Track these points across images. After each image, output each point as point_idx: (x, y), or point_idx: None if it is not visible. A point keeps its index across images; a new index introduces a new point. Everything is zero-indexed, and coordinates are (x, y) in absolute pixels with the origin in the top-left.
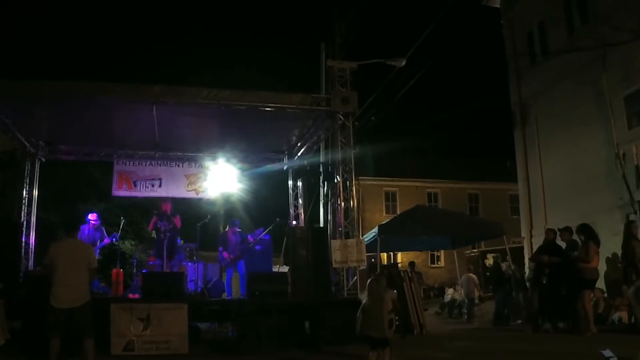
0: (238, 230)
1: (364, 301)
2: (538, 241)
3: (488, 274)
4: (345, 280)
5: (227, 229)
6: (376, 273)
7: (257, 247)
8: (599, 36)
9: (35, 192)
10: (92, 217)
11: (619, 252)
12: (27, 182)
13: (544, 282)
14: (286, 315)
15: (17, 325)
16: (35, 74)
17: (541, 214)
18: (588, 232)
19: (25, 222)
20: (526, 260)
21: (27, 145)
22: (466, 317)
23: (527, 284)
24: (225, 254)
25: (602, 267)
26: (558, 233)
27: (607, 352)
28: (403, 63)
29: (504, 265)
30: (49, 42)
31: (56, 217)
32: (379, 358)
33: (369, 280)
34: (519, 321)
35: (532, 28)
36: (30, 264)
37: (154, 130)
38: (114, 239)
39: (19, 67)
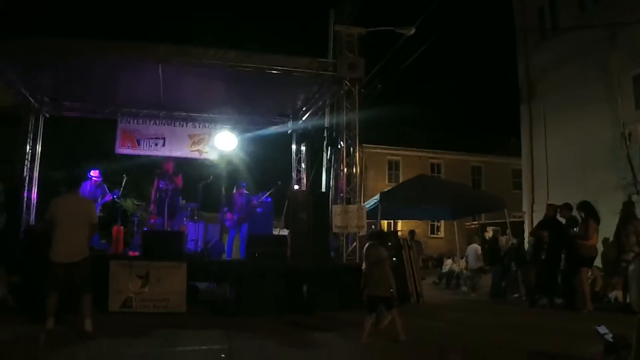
0: (245, 192)
1: (364, 268)
2: (539, 216)
3: (487, 246)
4: (344, 246)
5: (234, 191)
6: (372, 242)
7: (258, 210)
8: (611, 15)
9: (39, 148)
10: (94, 173)
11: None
12: (31, 138)
13: (543, 257)
14: (284, 279)
15: (16, 281)
16: (41, 31)
17: (543, 189)
18: (588, 210)
19: (27, 178)
20: (526, 235)
21: (32, 100)
22: (468, 288)
23: (527, 259)
24: (229, 215)
25: (600, 246)
26: (558, 209)
27: (602, 329)
28: (412, 31)
29: (503, 239)
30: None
31: (59, 174)
32: (384, 320)
33: (366, 246)
34: (516, 295)
35: (544, 3)
36: (31, 219)
37: (158, 89)
38: (115, 196)
39: (25, 23)
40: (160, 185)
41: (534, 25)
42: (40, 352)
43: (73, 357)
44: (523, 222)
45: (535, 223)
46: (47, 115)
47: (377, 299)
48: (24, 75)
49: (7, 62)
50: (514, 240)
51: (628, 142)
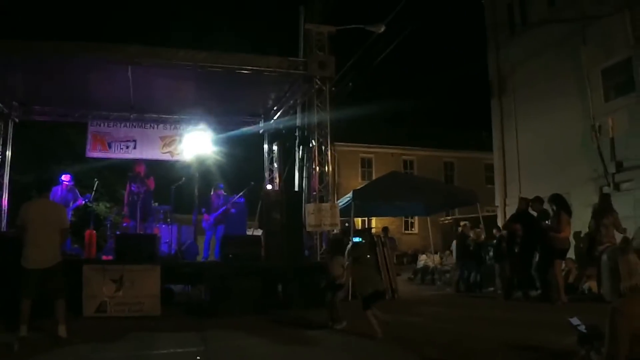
0: (223, 193)
1: (350, 265)
2: (512, 210)
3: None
4: (318, 245)
5: (211, 192)
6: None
7: (232, 210)
8: (580, 9)
9: (9, 153)
10: (65, 178)
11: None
12: (0, 143)
13: (516, 250)
14: (259, 279)
15: None
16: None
17: (516, 183)
18: (560, 202)
19: None
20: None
21: (0, 105)
22: (442, 283)
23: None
24: (206, 216)
25: (573, 238)
26: (530, 202)
27: (575, 320)
28: (382, 29)
29: (472, 233)
30: (22, 1)
31: (30, 179)
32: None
33: (349, 246)
34: (492, 289)
35: None
36: (3, 225)
37: (129, 91)
38: (86, 200)
39: None
40: (133, 188)
41: (504, 19)
42: None
43: None
44: (496, 217)
45: (508, 217)
46: (17, 120)
47: (377, 294)
48: None
49: None
50: (495, 233)
51: (598, 135)
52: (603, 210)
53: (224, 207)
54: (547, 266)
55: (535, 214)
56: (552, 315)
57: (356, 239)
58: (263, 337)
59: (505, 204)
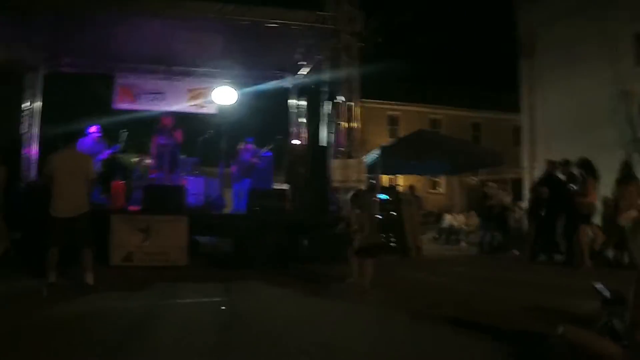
0: (251, 147)
1: (354, 218)
2: (539, 173)
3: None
4: (344, 200)
5: (240, 146)
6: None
7: (259, 165)
8: None
9: (38, 105)
10: (92, 129)
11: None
12: (30, 95)
13: (542, 214)
14: (284, 232)
15: (18, 236)
16: None
17: (543, 146)
18: (587, 167)
19: (28, 134)
20: (526, 191)
21: (29, 58)
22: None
23: (525, 215)
24: (234, 169)
25: (600, 204)
26: (558, 166)
27: (599, 286)
28: None
29: (496, 194)
30: None
31: (58, 130)
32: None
33: (351, 195)
34: (515, 251)
35: None
36: (32, 175)
37: (156, 44)
38: (114, 150)
39: None
40: (160, 141)
41: None
42: (43, 305)
43: (75, 309)
44: (522, 179)
45: (534, 180)
46: (46, 72)
47: (374, 247)
48: (20, 32)
49: (2, 17)
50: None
51: (628, 100)
52: (625, 177)
53: (250, 161)
54: (572, 231)
55: (563, 177)
56: (574, 280)
57: (382, 196)
58: (286, 290)
59: (532, 167)
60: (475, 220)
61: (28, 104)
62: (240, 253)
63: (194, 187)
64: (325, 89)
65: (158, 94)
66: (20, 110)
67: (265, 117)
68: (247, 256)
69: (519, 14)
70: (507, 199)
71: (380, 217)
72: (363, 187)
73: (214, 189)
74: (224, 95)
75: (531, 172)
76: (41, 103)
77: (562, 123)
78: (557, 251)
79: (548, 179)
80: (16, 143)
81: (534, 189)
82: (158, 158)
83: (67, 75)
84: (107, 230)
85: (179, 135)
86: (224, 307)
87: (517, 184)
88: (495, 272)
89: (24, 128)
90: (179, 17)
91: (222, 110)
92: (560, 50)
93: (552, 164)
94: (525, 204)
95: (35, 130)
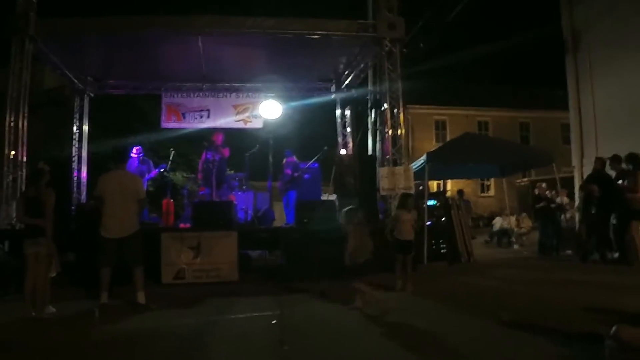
0: (292, 160)
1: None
2: (589, 170)
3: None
4: (393, 208)
5: (284, 160)
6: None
7: (306, 176)
8: None
9: (86, 127)
10: (135, 150)
11: None
12: (77, 118)
13: (593, 212)
14: (334, 243)
15: (70, 258)
16: (81, 11)
17: (592, 143)
18: (636, 162)
19: (76, 157)
20: (576, 190)
21: (76, 81)
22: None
23: (576, 214)
24: (279, 184)
25: None
26: (607, 162)
27: None
28: None
29: (551, 194)
30: None
31: (106, 151)
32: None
33: (344, 211)
34: (569, 251)
35: None
36: (82, 197)
37: (200, 61)
38: (161, 169)
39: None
40: (208, 157)
41: None
42: (95, 326)
43: (127, 329)
44: (573, 177)
45: (585, 177)
46: (92, 95)
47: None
48: (66, 57)
49: (48, 44)
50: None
51: None
52: None
53: (292, 174)
54: (624, 228)
55: (613, 173)
56: (629, 278)
57: (431, 202)
58: (337, 303)
59: (582, 164)
60: (527, 222)
61: (76, 127)
62: (291, 266)
63: (243, 201)
64: (370, 97)
65: (204, 111)
66: (70, 133)
67: (311, 129)
68: (297, 269)
69: (563, 10)
70: (566, 199)
71: (429, 223)
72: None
73: (263, 203)
74: (269, 109)
75: (581, 170)
76: (88, 125)
77: (611, 118)
78: (610, 249)
79: (597, 176)
80: (66, 166)
81: (583, 187)
82: (205, 174)
83: (113, 97)
84: (157, 248)
85: (226, 152)
86: (275, 322)
87: (568, 183)
88: (549, 273)
89: (73, 151)
90: (222, 34)
91: (268, 124)
92: (608, 43)
93: (601, 161)
94: (576, 202)
95: (84, 152)
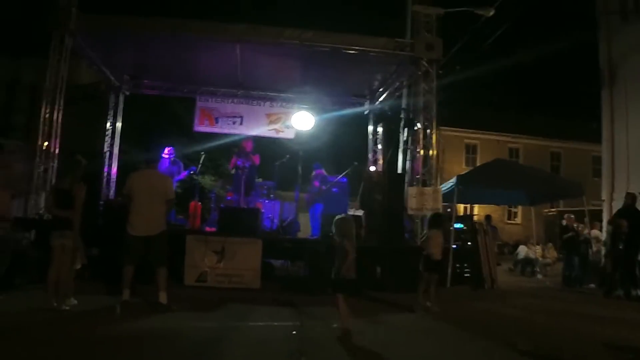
0: (321, 173)
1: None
2: (618, 205)
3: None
4: (419, 228)
5: (312, 172)
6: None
7: (334, 190)
8: None
9: (119, 124)
10: (167, 151)
11: None
12: (112, 115)
13: (621, 247)
14: (358, 258)
15: (95, 253)
16: (120, 10)
17: (624, 177)
18: None
19: (108, 153)
20: (604, 224)
21: (112, 78)
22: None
23: (603, 248)
24: (306, 195)
25: None
26: (638, 198)
27: None
28: (492, 13)
29: (579, 226)
30: None
31: (138, 150)
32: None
33: (337, 219)
34: (592, 285)
35: None
36: (111, 193)
37: (236, 68)
38: (191, 171)
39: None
40: (238, 163)
41: (615, 7)
42: (115, 322)
43: (148, 328)
44: (602, 211)
45: (614, 212)
46: (127, 93)
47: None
48: (104, 53)
49: (87, 39)
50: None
51: None
52: None
53: (319, 187)
54: None
55: None
56: None
57: (458, 225)
58: (358, 317)
59: (612, 199)
60: (553, 252)
61: (109, 123)
62: (313, 278)
63: (269, 210)
64: (403, 115)
65: (237, 118)
66: (103, 130)
67: (343, 143)
68: (320, 281)
69: (601, 43)
70: (597, 231)
71: (455, 246)
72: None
73: (290, 213)
74: (301, 121)
75: (610, 204)
76: (122, 123)
77: None
78: (635, 286)
79: (627, 212)
80: (97, 161)
81: (612, 222)
82: (235, 180)
83: (148, 97)
84: (182, 250)
85: (256, 159)
86: (294, 332)
87: (596, 216)
88: (571, 306)
89: (105, 146)
90: (259, 43)
91: (299, 135)
92: None
93: (631, 196)
94: (603, 236)
95: (116, 149)
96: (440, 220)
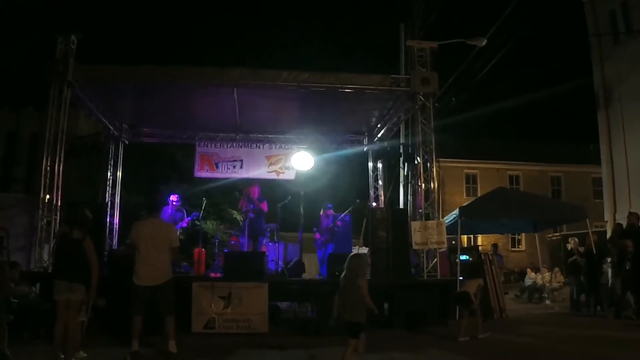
0: (332, 213)
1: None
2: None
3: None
4: (425, 262)
5: (321, 212)
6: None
7: (339, 228)
8: None
9: (119, 174)
10: (173, 197)
11: None
12: (112, 164)
13: (627, 267)
14: None
15: (101, 304)
16: (117, 59)
17: (625, 197)
18: None
19: (109, 203)
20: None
21: (111, 128)
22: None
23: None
24: (317, 236)
25: None
26: None
27: None
28: (484, 43)
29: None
30: (129, 27)
31: (139, 198)
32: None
33: (352, 257)
34: (599, 307)
35: (615, 6)
36: (114, 243)
37: (234, 112)
38: (194, 217)
39: (100, 52)
40: (245, 209)
41: (606, 29)
42: None
43: None
44: (605, 232)
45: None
46: (127, 142)
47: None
48: (102, 103)
49: (85, 90)
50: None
51: None
52: None
53: (331, 227)
54: None
55: None
56: None
57: (463, 257)
58: (368, 355)
59: (614, 219)
60: (560, 277)
61: (110, 173)
62: (322, 319)
63: (273, 253)
64: (402, 150)
65: (237, 161)
66: (103, 179)
67: (343, 181)
68: (327, 322)
69: (594, 65)
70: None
71: (461, 278)
72: (444, 249)
73: (294, 254)
74: (301, 161)
75: (613, 224)
76: (122, 172)
77: None
78: None
79: (631, 231)
80: (100, 211)
81: (614, 243)
82: (244, 225)
83: (147, 145)
84: (188, 297)
85: (264, 206)
86: None
87: (600, 238)
88: (582, 331)
89: (106, 197)
90: (257, 86)
91: (300, 176)
92: (639, 97)
93: (635, 216)
94: (609, 258)
95: (117, 198)
96: (479, 269)
